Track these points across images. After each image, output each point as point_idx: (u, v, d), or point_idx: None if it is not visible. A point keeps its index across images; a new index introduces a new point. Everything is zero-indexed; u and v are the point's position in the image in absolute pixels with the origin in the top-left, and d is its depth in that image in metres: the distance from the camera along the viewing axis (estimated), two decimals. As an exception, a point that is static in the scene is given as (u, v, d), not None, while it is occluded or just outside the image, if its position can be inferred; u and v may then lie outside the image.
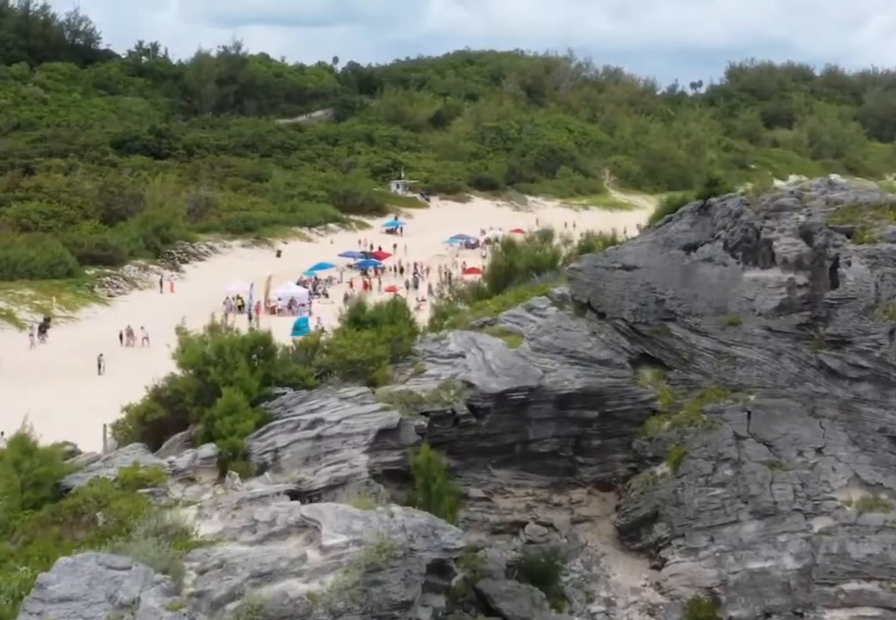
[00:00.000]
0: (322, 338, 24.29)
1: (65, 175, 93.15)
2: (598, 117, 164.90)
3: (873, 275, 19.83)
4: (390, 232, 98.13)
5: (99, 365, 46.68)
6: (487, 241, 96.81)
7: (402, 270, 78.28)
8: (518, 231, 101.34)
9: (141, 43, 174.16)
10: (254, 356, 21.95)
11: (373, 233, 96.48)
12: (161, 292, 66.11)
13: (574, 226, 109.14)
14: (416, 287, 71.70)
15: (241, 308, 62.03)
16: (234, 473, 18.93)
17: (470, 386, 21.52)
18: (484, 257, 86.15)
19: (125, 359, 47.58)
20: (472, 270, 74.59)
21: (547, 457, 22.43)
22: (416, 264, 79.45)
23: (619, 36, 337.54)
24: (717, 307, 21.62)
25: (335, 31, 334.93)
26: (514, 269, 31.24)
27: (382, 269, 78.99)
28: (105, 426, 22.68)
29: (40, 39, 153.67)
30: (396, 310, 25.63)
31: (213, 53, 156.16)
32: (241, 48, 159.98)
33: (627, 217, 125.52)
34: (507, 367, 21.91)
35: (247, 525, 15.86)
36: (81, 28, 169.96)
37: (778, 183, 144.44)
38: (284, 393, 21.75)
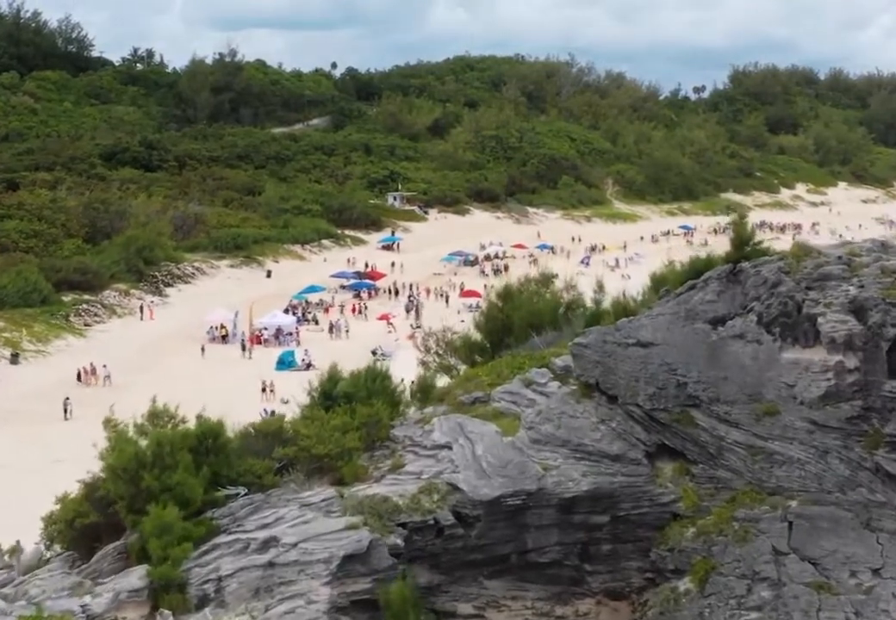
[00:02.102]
0: (288, 419, 20.92)
1: (51, 190, 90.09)
2: (600, 124, 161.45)
3: (942, 362, 16.45)
4: (386, 248, 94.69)
5: (65, 410, 43.23)
6: (487, 258, 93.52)
7: (397, 292, 74.79)
8: (519, 246, 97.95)
9: (136, 50, 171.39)
10: (202, 450, 18.61)
11: (367, 249, 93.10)
12: (141, 319, 62.73)
13: (579, 240, 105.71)
14: (416, 312, 68.29)
15: (224, 338, 58.68)
16: (165, 612, 15.55)
17: (456, 488, 18.10)
18: (487, 275, 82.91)
19: (94, 402, 44.05)
20: (471, 293, 71.19)
21: (548, 567, 19.00)
22: (411, 285, 76.04)
23: (622, 39, 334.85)
24: (749, 393, 18.19)
25: (338, 35, 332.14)
26: (511, 321, 27.90)
27: (376, 291, 75.54)
28: (18, 542, 19.27)
29: (31, 47, 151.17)
30: (375, 382, 22.28)
31: (209, 60, 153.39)
32: (237, 55, 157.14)
33: (632, 228, 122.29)
34: (501, 465, 18.47)
35: None
36: (74, 35, 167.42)
37: (785, 191, 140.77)
38: (237, 494, 18.39)
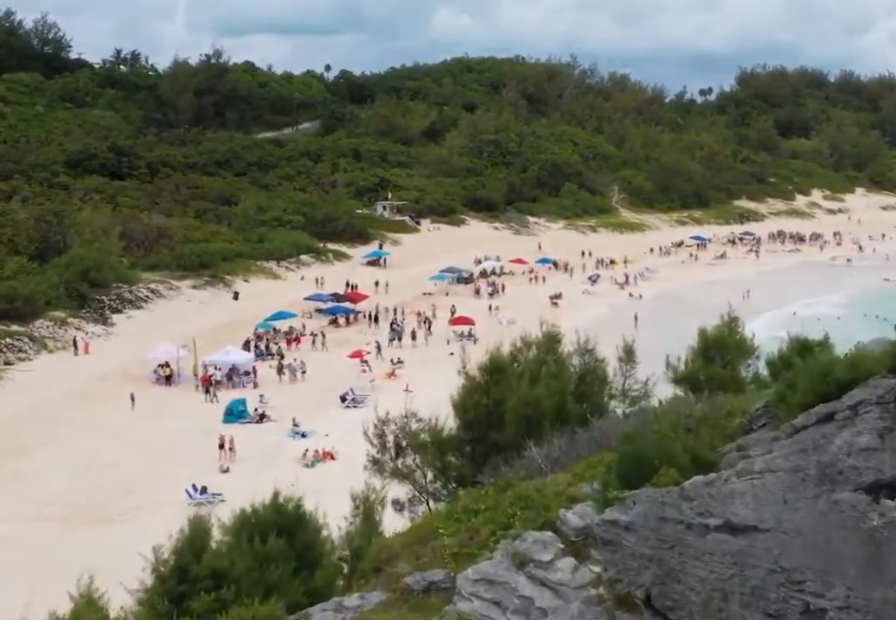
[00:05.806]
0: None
1: (7, 200, 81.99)
2: (604, 128, 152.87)
3: None
4: (372, 263, 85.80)
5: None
6: (483, 274, 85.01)
7: (377, 318, 65.54)
8: (518, 261, 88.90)
9: (119, 51, 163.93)
10: None
11: (351, 265, 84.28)
12: (76, 354, 53.61)
13: (590, 254, 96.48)
14: (399, 340, 59.49)
15: (168, 379, 49.65)
16: None
17: None
18: (485, 296, 74.05)
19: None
20: (463, 320, 62.19)
21: None
22: (395, 310, 66.96)
23: (625, 43, 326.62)
24: (951, 635, 9.52)
25: (342, 40, 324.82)
26: (501, 408, 19.18)
27: (356, 316, 66.49)
28: None
29: (4, 49, 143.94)
30: (276, 539, 13.46)
31: (193, 61, 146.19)
32: (222, 56, 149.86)
33: (640, 239, 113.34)
34: None
35: None
36: (50, 35, 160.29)
37: (800, 198, 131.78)
38: None
